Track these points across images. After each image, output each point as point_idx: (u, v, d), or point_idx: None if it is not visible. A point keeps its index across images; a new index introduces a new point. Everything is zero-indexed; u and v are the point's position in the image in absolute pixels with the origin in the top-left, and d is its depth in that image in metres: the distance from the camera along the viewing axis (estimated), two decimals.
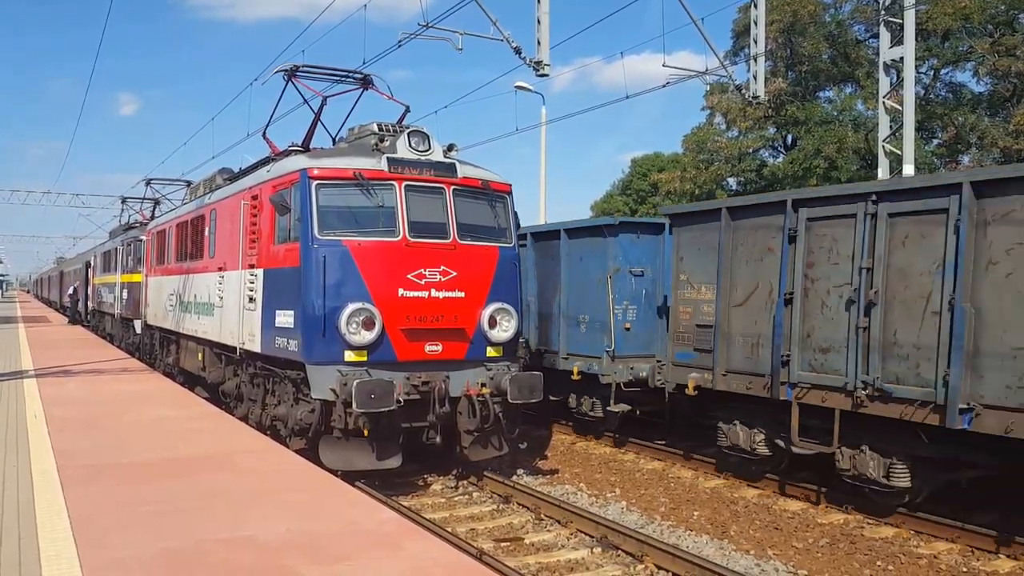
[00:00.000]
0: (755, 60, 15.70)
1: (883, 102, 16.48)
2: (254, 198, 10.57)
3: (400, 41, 13.53)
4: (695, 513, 9.06)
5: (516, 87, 23.11)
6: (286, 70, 11.49)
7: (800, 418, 9.02)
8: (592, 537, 7.89)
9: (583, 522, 8.18)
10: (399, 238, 9.08)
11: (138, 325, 19.53)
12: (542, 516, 8.65)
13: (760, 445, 9.76)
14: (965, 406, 7.27)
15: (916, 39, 17.13)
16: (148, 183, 24.47)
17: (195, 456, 7.91)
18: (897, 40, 16.00)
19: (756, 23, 15.76)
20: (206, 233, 13.13)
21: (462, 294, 9.34)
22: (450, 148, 9.86)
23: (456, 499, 9.53)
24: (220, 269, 12.01)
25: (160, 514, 5.87)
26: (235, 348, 11.19)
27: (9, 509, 5.97)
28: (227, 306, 11.54)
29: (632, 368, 11.68)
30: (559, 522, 8.43)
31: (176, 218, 15.93)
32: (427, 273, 9.13)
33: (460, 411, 9.46)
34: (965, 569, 7.31)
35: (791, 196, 9.25)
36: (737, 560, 7.52)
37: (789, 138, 33.87)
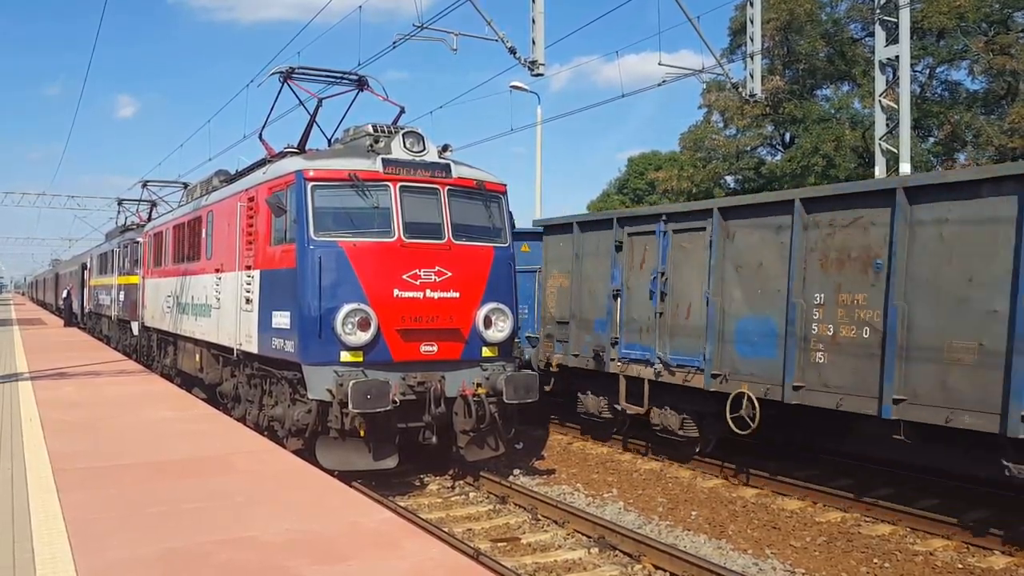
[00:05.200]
0: (751, 58, 15.72)
1: (879, 100, 16.50)
2: (250, 200, 10.58)
3: (395, 42, 13.53)
4: (693, 513, 9.07)
5: (511, 87, 23.14)
6: (282, 72, 11.50)
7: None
8: (589, 537, 7.89)
9: (580, 522, 8.18)
10: (394, 239, 9.09)
11: (135, 327, 19.52)
12: (539, 516, 8.64)
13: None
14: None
15: (912, 38, 17.16)
16: (144, 185, 24.44)
17: (193, 458, 7.90)
18: (892, 39, 16.03)
19: (752, 21, 15.80)
20: (203, 235, 13.13)
21: (457, 294, 9.34)
22: (445, 149, 9.86)
23: (453, 499, 9.53)
24: (217, 271, 12.01)
25: (158, 516, 5.86)
26: (232, 349, 11.19)
27: (4, 513, 5.95)
28: (224, 307, 11.54)
29: None
30: (556, 522, 8.42)
31: (173, 220, 15.92)
32: (422, 274, 9.13)
33: (456, 411, 9.46)
34: (961, 565, 7.33)
35: None
36: (735, 559, 7.53)
37: (787, 136, 33.89)
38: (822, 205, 8.73)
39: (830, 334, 8.47)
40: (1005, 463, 7.09)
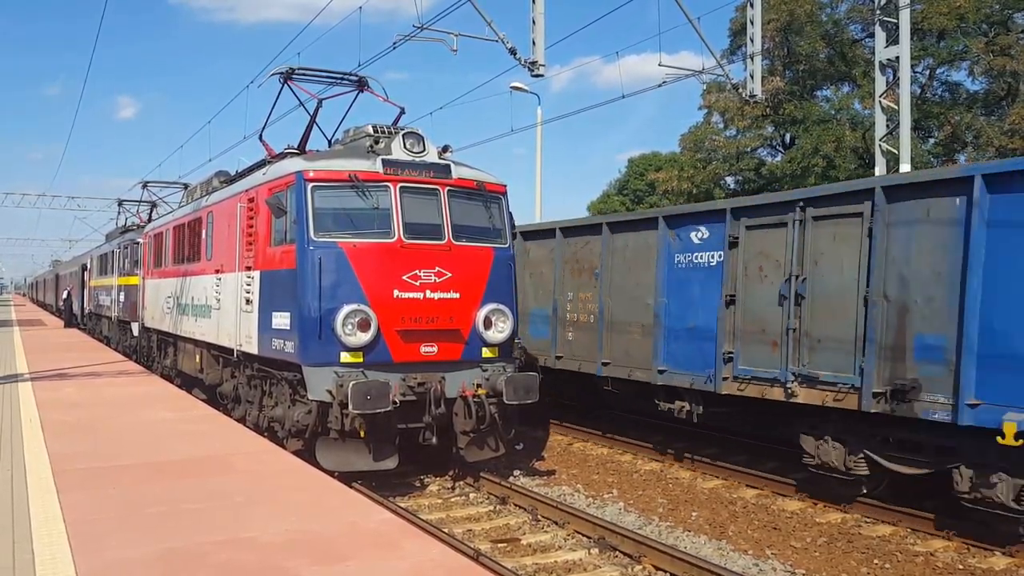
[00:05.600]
0: (751, 59, 15.72)
1: (879, 101, 16.49)
2: (251, 200, 10.58)
3: (395, 43, 13.53)
4: (693, 513, 9.06)
5: (512, 88, 23.12)
6: (282, 73, 11.49)
7: None
8: (590, 538, 7.89)
9: (580, 523, 8.18)
10: (394, 239, 9.09)
11: (135, 328, 19.52)
12: (539, 517, 8.64)
13: None
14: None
15: (912, 38, 17.15)
16: (144, 186, 24.44)
17: (193, 458, 7.90)
18: (893, 39, 16.02)
19: (752, 22, 15.79)
20: (203, 236, 13.12)
21: (457, 295, 9.34)
22: (445, 149, 9.86)
23: (453, 500, 9.53)
24: (217, 271, 12.01)
25: (158, 516, 5.86)
26: (232, 350, 11.19)
27: (4, 513, 5.95)
28: (224, 308, 11.53)
29: None
30: (556, 523, 8.42)
31: (173, 221, 15.92)
32: (422, 274, 9.13)
33: (456, 412, 9.46)
34: (961, 566, 7.33)
35: None
36: (735, 560, 7.53)
37: (787, 137, 33.88)
38: (571, 232, 12.82)
39: (575, 319, 12.56)
40: (657, 401, 10.90)
